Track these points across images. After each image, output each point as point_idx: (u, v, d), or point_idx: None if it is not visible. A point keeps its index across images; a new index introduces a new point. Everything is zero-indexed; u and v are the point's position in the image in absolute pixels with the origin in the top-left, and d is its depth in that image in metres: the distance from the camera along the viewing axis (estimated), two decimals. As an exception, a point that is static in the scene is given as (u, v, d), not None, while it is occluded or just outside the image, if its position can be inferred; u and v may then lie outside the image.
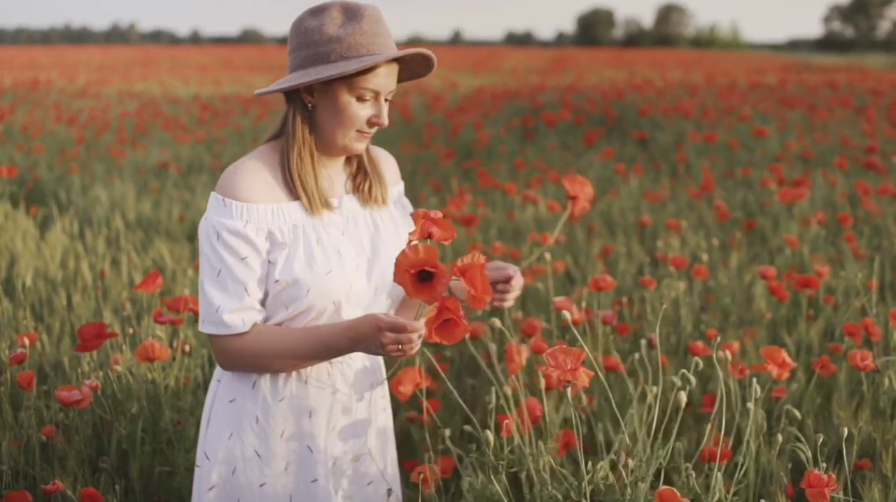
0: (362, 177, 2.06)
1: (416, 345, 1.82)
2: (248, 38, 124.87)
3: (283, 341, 1.91)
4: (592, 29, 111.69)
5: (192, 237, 6.26)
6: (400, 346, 1.80)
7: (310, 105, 1.93)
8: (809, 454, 2.24)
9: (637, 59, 36.08)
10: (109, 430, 2.94)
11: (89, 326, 2.71)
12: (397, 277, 1.66)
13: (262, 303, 1.94)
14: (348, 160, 2.08)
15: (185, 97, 16.55)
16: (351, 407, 2.06)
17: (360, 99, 1.91)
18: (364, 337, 1.84)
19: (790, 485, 2.46)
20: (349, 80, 1.88)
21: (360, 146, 1.97)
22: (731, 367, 2.70)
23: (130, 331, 3.11)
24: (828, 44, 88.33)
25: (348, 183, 2.06)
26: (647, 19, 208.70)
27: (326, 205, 1.96)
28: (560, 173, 7.45)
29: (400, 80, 1.99)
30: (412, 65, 1.99)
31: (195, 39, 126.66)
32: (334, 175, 2.04)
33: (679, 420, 1.93)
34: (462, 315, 1.69)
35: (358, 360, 2.07)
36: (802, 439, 2.28)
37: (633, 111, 12.13)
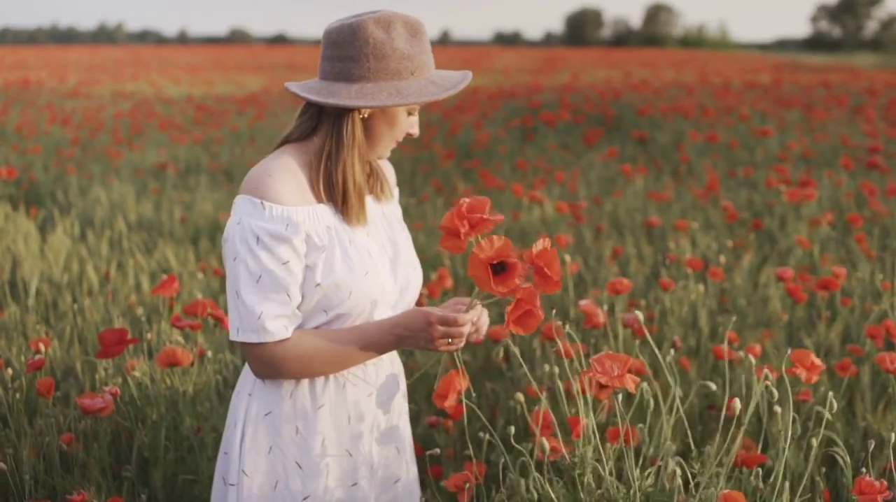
0: (374, 176, 2.07)
1: (464, 340, 1.84)
2: (236, 38, 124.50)
3: (327, 343, 1.88)
4: (581, 29, 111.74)
5: (195, 239, 6.21)
6: (450, 340, 1.82)
7: (365, 114, 1.91)
8: (847, 458, 2.21)
9: (627, 59, 36.11)
10: (127, 437, 2.89)
11: (110, 332, 2.66)
12: (471, 270, 1.66)
13: (298, 308, 1.90)
14: None
15: (177, 97, 16.46)
16: (385, 410, 2.06)
17: (410, 113, 1.96)
18: (413, 331, 1.84)
19: (826, 491, 2.43)
20: None
21: (388, 153, 2.01)
22: (758, 371, 2.66)
23: (149, 335, 3.06)
24: (815, 43, 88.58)
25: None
26: (636, 19, 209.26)
27: (365, 217, 1.98)
28: (564, 173, 7.43)
29: None
30: None
31: (183, 39, 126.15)
32: None
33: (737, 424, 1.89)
34: (538, 305, 1.70)
35: (387, 363, 2.06)
36: (840, 443, 2.26)
37: (631, 111, 12.12)
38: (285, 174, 1.88)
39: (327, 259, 1.87)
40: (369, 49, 1.84)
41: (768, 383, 2.09)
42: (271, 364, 1.88)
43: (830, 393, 2.04)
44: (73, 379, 3.55)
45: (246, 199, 1.85)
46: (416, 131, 1.99)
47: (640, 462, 2.05)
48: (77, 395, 3.27)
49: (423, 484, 2.97)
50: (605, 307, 3.37)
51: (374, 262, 1.93)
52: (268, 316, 1.83)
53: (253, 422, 1.97)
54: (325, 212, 1.91)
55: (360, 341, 1.88)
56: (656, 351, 2.16)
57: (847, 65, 33.39)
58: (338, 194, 1.91)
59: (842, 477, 2.78)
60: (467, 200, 1.72)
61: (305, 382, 1.95)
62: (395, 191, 2.16)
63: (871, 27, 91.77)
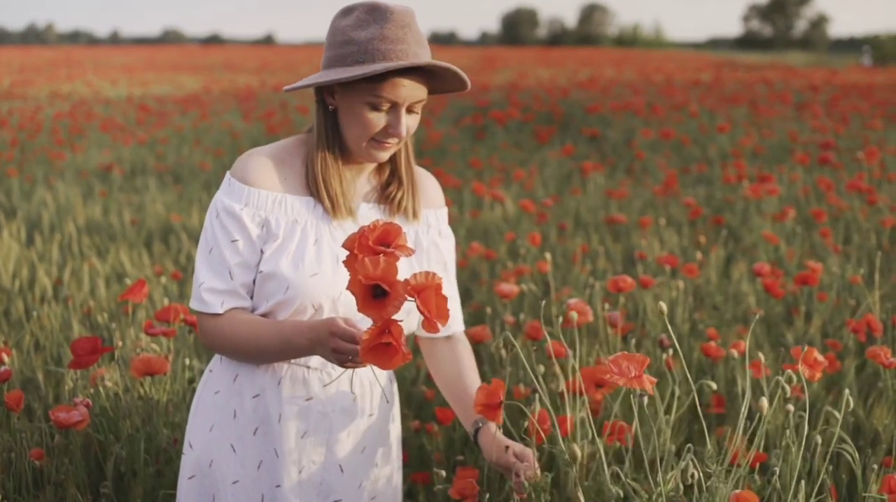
0: (396, 185, 1.98)
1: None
2: (170, 39, 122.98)
3: (248, 329, 1.83)
4: (516, 28, 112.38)
5: (148, 243, 6.03)
6: (350, 357, 1.65)
7: (331, 107, 1.86)
8: (857, 455, 2.18)
9: (566, 58, 36.34)
10: (98, 451, 2.75)
11: (83, 341, 2.52)
12: (350, 285, 1.51)
13: (252, 291, 1.89)
14: (379, 169, 2.00)
15: (116, 98, 16.13)
16: (327, 420, 1.94)
17: (375, 107, 1.80)
18: (320, 340, 1.70)
19: (833, 487, 2.40)
20: (364, 87, 1.78)
21: (379, 155, 1.88)
22: (756, 369, 2.63)
23: (119, 343, 2.91)
24: (747, 42, 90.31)
25: (373, 192, 1.99)
26: (571, 19, 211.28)
27: (350, 212, 1.91)
28: (522, 171, 7.38)
29: (432, 91, 1.88)
30: (444, 79, 1.85)
31: (115, 40, 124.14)
32: (358, 181, 1.97)
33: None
34: (403, 343, 1.51)
35: (345, 378, 1.94)
36: (848, 440, 2.22)
37: (579, 108, 12.15)
38: (265, 158, 1.88)
39: (278, 249, 1.85)
40: (329, 37, 1.83)
41: (779, 379, 2.03)
42: (206, 335, 1.89)
43: (847, 391, 2.00)
44: (36, 390, 3.38)
45: (227, 175, 1.89)
46: (398, 131, 1.81)
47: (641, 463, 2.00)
48: (41, 407, 3.12)
49: (413, 492, 2.89)
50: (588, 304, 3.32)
51: (335, 267, 1.85)
52: (206, 287, 1.85)
53: (205, 398, 2.00)
54: (298, 205, 1.88)
55: (277, 335, 1.80)
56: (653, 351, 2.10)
57: (781, 63, 34.03)
58: (312, 184, 1.89)
59: (840, 474, 2.76)
60: (381, 222, 1.55)
61: (249, 369, 1.92)
62: (431, 211, 2.05)
63: (800, 26, 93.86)
